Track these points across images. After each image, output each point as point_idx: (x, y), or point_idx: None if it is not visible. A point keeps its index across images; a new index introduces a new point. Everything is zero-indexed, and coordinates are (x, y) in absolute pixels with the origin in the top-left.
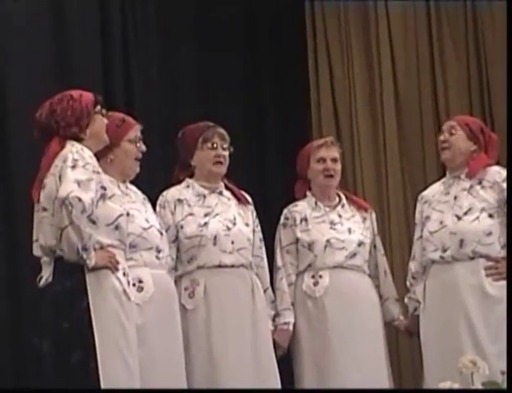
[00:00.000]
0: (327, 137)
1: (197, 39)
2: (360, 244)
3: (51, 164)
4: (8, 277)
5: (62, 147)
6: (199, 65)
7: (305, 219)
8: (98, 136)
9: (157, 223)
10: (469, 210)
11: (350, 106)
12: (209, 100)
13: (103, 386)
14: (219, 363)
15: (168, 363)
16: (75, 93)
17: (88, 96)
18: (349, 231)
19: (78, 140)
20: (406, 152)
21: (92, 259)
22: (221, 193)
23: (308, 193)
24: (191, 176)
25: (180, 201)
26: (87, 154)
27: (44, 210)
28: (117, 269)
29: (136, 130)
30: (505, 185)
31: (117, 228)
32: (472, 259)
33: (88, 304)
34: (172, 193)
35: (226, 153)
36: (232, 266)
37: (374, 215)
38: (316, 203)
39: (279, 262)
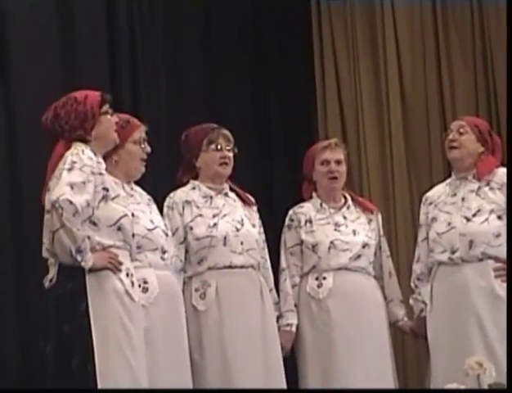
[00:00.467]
0: (332, 138)
1: (204, 42)
2: (364, 246)
3: (55, 167)
4: (16, 280)
5: (67, 150)
6: (206, 68)
7: (310, 221)
8: (105, 136)
9: (162, 224)
10: (478, 211)
11: (356, 108)
12: (216, 102)
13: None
14: (233, 363)
15: (173, 364)
16: (80, 95)
17: (94, 96)
18: (354, 233)
19: (85, 142)
20: (413, 153)
21: (88, 261)
22: (227, 194)
23: (314, 194)
24: (195, 178)
25: (188, 202)
26: (87, 155)
27: (48, 212)
28: (119, 270)
29: (140, 131)
30: None
31: (120, 228)
32: (481, 260)
33: (88, 306)
34: (179, 195)
35: (231, 154)
36: (242, 267)
37: (379, 217)
38: (321, 204)
39: (283, 263)
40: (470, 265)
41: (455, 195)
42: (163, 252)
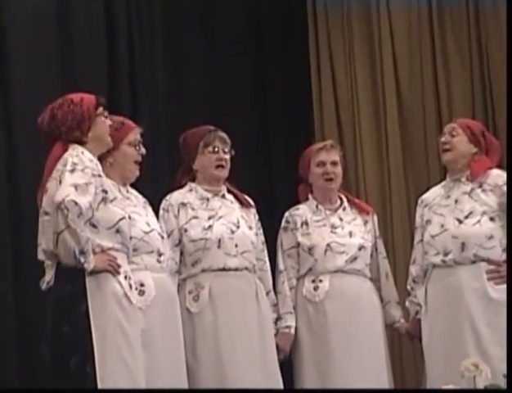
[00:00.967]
0: (328, 140)
1: (203, 45)
2: (361, 248)
3: (53, 169)
4: (15, 282)
5: (64, 151)
6: (206, 70)
7: (306, 223)
8: (101, 139)
9: (158, 227)
10: (471, 213)
11: (353, 109)
12: (215, 104)
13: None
14: (228, 366)
15: (171, 366)
16: (76, 97)
17: (90, 98)
18: (350, 234)
19: (81, 143)
20: (409, 154)
21: (90, 263)
22: (223, 196)
23: (310, 196)
24: (194, 180)
25: (183, 204)
26: (87, 157)
27: (46, 214)
28: (118, 273)
29: (135, 133)
30: (506, 188)
31: (118, 231)
32: (474, 262)
33: (88, 308)
34: (175, 197)
35: (228, 156)
36: (236, 269)
37: (375, 217)
38: (317, 206)
39: (280, 266)
40: (463, 267)
41: (448, 197)
42: (160, 255)
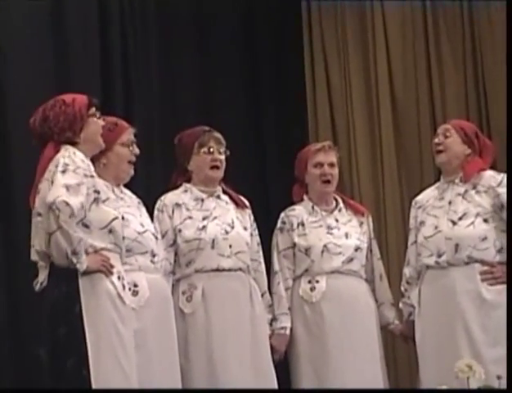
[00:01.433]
0: (325, 141)
1: (197, 46)
2: (357, 249)
3: (45, 170)
4: (8, 283)
5: (56, 152)
6: (199, 70)
7: (302, 224)
8: (93, 139)
9: (152, 228)
10: (464, 214)
11: (347, 111)
12: (209, 104)
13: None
14: (220, 366)
15: (164, 366)
16: (68, 98)
17: (82, 99)
18: (346, 235)
19: (73, 144)
20: (403, 156)
21: (83, 264)
22: (219, 197)
23: (305, 197)
24: (189, 181)
25: (178, 205)
26: (79, 158)
27: (39, 215)
28: (111, 273)
29: (129, 133)
30: (499, 189)
31: (111, 231)
32: (467, 264)
33: (81, 308)
34: (170, 198)
35: (223, 157)
36: (230, 270)
37: (370, 219)
38: (312, 207)
39: (276, 266)
40: (457, 269)
41: (442, 198)
42: (153, 255)
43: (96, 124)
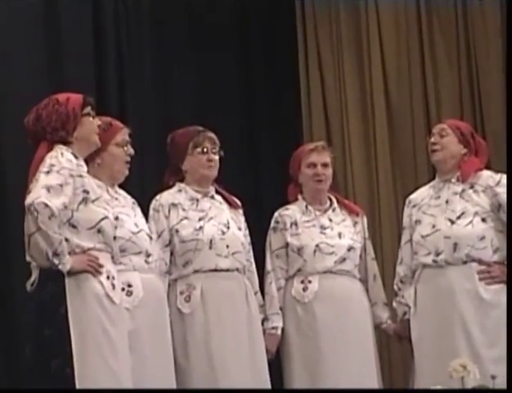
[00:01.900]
0: (319, 141)
1: (191, 45)
2: (350, 249)
3: (37, 170)
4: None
5: (49, 152)
6: (193, 69)
7: (295, 223)
8: (87, 138)
9: (146, 228)
10: (463, 214)
11: (341, 110)
12: (203, 104)
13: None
14: (219, 366)
15: (158, 366)
16: (62, 97)
17: (76, 98)
18: (339, 235)
19: (67, 144)
20: (397, 155)
21: (66, 264)
22: (212, 197)
23: (299, 197)
24: (182, 181)
25: (174, 205)
26: (66, 158)
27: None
28: (99, 272)
29: (123, 134)
30: (498, 189)
31: (100, 231)
32: (465, 263)
33: (67, 309)
34: (165, 197)
35: (217, 157)
36: (228, 270)
37: (365, 219)
38: (306, 207)
39: (268, 266)
40: (455, 268)
41: (439, 197)
42: (148, 255)
43: (91, 123)
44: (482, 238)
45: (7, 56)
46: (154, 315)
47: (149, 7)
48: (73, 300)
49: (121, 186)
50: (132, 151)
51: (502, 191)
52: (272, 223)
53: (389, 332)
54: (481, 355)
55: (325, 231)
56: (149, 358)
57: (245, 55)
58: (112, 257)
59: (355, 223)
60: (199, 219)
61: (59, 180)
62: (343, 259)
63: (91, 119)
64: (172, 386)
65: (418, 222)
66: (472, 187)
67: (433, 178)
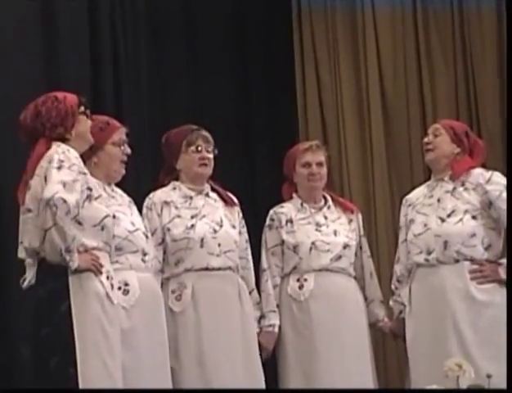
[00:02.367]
0: (313, 140)
1: (187, 44)
2: (345, 246)
3: (36, 166)
4: None
5: (48, 148)
6: (189, 68)
7: (290, 221)
8: (83, 136)
9: (142, 226)
10: (453, 212)
11: (337, 109)
12: (198, 103)
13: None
14: (210, 366)
15: (155, 366)
16: (59, 94)
17: (72, 97)
18: (335, 233)
19: (64, 141)
20: (393, 154)
21: (75, 262)
22: (207, 195)
23: (294, 195)
24: (177, 179)
25: (167, 203)
26: (73, 155)
27: (29, 211)
28: (100, 272)
29: (120, 133)
30: (488, 187)
31: (103, 228)
32: (457, 261)
33: (70, 307)
34: (158, 196)
35: (211, 155)
36: (219, 269)
37: (360, 216)
38: (301, 204)
39: (264, 264)
40: (446, 267)
41: (431, 196)
42: (144, 254)
43: (86, 122)
44: (473, 236)
45: (2, 56)
46: (151, 314)
47: (145, 8)
48: (75, 299)
49: (117, 185)
50: (128, 150)
51: (492, 188)
52: (268, 221)
53: (385, 330)
54: (472, 355)
55: (321, 228)
56: (145, 357)
57: (242, 55)
58: (110, 256)
59: (350, 221)
60: (192, 217)
61: (71, 176)
62: (339, 257)
63: (85, 118)
64: (169, 385)
65: (412, 221)
66: (463, 184)
67: (429, 178)
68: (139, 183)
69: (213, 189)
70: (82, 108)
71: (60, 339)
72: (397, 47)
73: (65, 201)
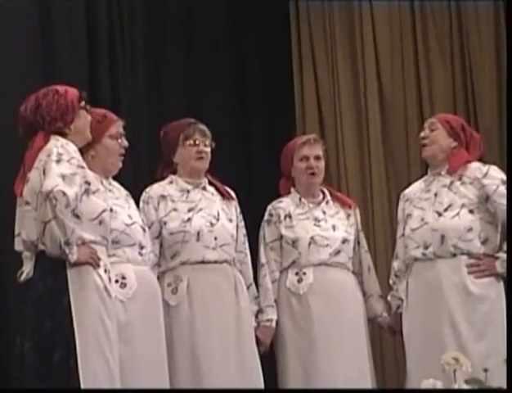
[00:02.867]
0: (310, 134)
1: (184, 38)
2: (344, 241)
3: (35, 159)
4: None
5: (46, 142)
6: (186, 62)
7: (289, 216)
8: (82, 132)
9: (140, 220)
10: (450, 206)
11: (334, 104)
12: (195, 97)
13: (83, 384)
14: (203, 359)
15: (152, 359)
16: (60, 88)
17: (73, 91)
18: (333, 228)
19: (63, 135)
20: (390, 149)
21: (74, 255)
22: (204, 188)
23: (292, 190)
24: (174, 173)
25: (163, 196)
26: (72, 149)
27: (27, 204)
28: (98, 266)
29: (117, 126)
30: (485, 181)
31: (101, 222)
32: (454, 256)
33: (70, 301)
34: (155, 189)
35: (208, 149)
36: (215, 262)
37: (358, 212)
38: (300, 199)
39: (263, 259)
40: (443, 261)
41: (429, 191)
42: (141, 247)
43: (86, 117)
44: (470, 230)
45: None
46: (148, 307)
47: (142, 2)
48: (75, 292)
49: (114, 178)
50: (126, 143)
51: (489, 182)
52: (266, 216)
53: (383, 325)
54: (468, 349)
55: (319, 223)
56: (141, 350)
57: (239, 50)
58: (107, 250)
59: (348, 216)
60: (189, 211)
61: (70, 170)
62: (338, 252)
63: (85, 113)
64: (165, 378)
65: (409, 216)
66: (460, 179)
67: (426, 172)
68: (136, 177)
69: (210, 183)
70: (82, 103)
71: (62, 333)
72: (395, 44)
73: (64, 194)
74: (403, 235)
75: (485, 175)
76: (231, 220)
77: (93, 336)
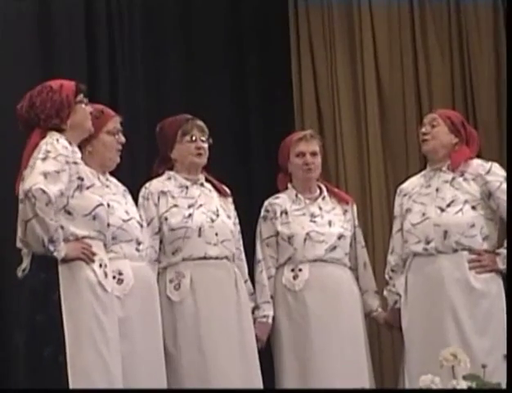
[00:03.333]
0: (307, 130)
1: (182, 34)
2: (340, 237)
3: (30, 156)
4: None
5: (42, 139)
6: (185, 58)
7: (285, 212)
8: (80, 126)
9: (137, 215)
10: (452, 201)
11: (333, 101)
12: (194, 93)
13: (73, 380)
14: (209, 355)
15: (149, 355)
16: (55, 84)
17: (69, 85)
18: (329, 224)
19: (60, 131)
20: (389, 145)
21: (60, 251)
22: (202, 185)
23: (289, 185)
24: (171, 169)
25: (163, 192)
26: (62, 145)
27: (22, 202)
28: (92, 261)
29: (115, 122)
30: (488, 177)
31: (95, 218)
32: (455, 251)
33: (60, 296)
34: (155, 185)
35: (206, 145)
36: (217, 258)
37: (355, 207)
38: (296, 195)
39: (259, 255)
40: (445, 256)
41: (429, 186)
42: (139, 243)
43: (84, 110)
44: (472, 226)
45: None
46: (145, 303)
47: (141, 1)
48: (66, 288)
49: (112, 173)
50: (123, 139)
51: (492, 179)
52: (262, 212)
53: (380, 320)
54: (471, 344)
55: (316, 219)
56: (139, 346)
57: (237, 45)
58: (105, 245)
59: (345, 212)
60: (189, 207)
61: (56, 167)
62: (334, 248)
63: (83, 106)
64: (163, 374)
65: (408, 210)
66: (462, 175)
67: (425, 168)
68: (134, 172)
69: (206, 180)
70: (80, 96)
71: (53, 328)
72: (394, 39)
73: (44, 192)
74: (400, 230)
75: (488, 172)
76: (229, 216)
77: (86, 332)
